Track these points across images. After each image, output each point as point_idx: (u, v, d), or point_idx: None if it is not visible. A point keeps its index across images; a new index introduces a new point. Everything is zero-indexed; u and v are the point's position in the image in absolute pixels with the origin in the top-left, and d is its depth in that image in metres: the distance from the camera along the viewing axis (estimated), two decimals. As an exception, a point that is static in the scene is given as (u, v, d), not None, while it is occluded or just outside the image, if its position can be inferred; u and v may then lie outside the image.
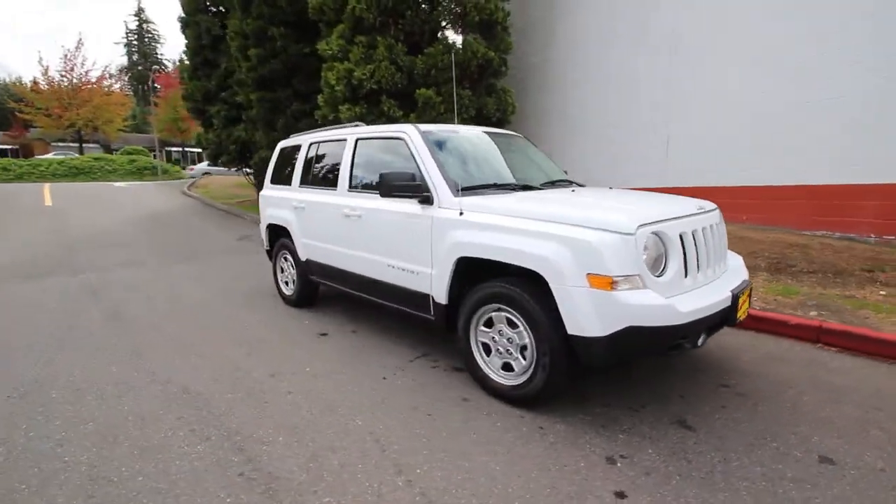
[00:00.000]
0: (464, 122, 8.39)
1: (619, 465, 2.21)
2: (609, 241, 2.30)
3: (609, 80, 9.23)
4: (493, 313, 2.78)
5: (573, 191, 3.38)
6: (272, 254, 5.07)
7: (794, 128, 6.92)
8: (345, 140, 3.99)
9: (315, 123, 10.44)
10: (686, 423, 2.54)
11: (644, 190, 4.29)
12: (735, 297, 2.62)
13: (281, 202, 4.71)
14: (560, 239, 2.41)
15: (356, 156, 3.85)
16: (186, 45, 14.62)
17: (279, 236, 4.89)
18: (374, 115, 8.71)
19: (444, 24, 8.84)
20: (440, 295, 3.04)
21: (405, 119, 8.53)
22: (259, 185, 15.92)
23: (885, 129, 6.18)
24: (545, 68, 10.29)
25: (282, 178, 4.86)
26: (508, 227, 2.63)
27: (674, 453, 2.29)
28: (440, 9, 8.59)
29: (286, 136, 5.07)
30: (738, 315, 2.69)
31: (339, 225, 3.87)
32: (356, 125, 4.16)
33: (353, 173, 3.83)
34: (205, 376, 3.19)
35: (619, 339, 2.29)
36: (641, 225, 2.36)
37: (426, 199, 3.11)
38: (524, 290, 2.59)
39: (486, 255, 2.72)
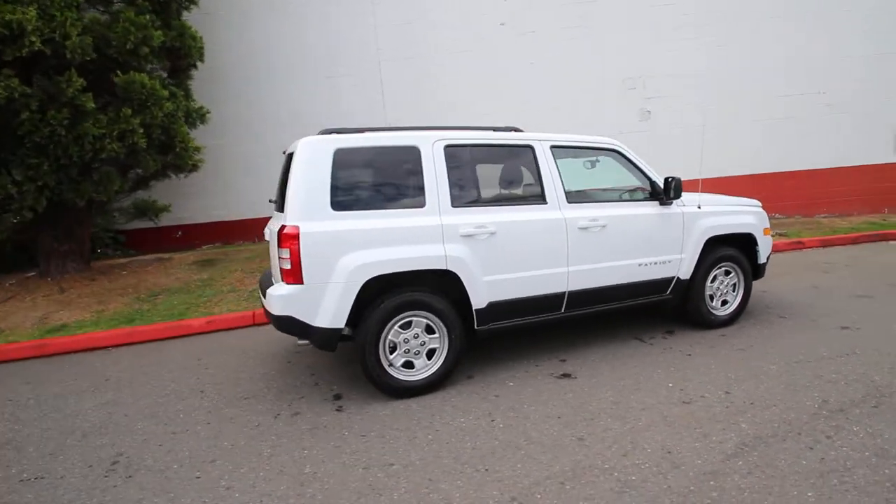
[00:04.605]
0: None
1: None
2: (763, 211, 4.37)
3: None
4: (716, 271, 4.09)
5: None
6: (359, 331, 2.94)
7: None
8: (529, 146, 3.42)
9: None
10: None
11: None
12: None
13: (413, 234, 2.97)
14: (754, 214, 4.21)
15: (559, 165, 3.50)
16: None
17: (377, 295, 2.99)
18: (41, 99, 4.85)
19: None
20: (686, 272, 3.87)
21: (104, 114, 5.33)
22: None
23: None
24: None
25: (374, 199, 3.02)
26: (734, 211, 4.12)
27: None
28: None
29: None
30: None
31: (564, 242, 3.41)
32: (512, 129, 3.51)
33: (564, 184, 3.47)
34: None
35: (768, 261, 4.43)
36: None
37: (664, 201, 3.78)
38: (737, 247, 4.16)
39: (726, 231, 3.99)
